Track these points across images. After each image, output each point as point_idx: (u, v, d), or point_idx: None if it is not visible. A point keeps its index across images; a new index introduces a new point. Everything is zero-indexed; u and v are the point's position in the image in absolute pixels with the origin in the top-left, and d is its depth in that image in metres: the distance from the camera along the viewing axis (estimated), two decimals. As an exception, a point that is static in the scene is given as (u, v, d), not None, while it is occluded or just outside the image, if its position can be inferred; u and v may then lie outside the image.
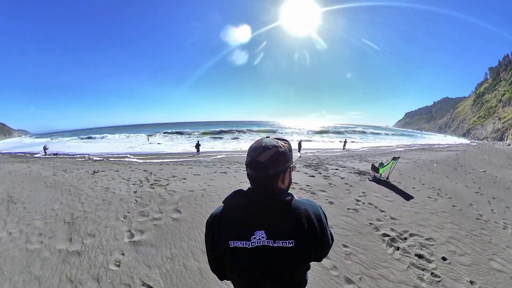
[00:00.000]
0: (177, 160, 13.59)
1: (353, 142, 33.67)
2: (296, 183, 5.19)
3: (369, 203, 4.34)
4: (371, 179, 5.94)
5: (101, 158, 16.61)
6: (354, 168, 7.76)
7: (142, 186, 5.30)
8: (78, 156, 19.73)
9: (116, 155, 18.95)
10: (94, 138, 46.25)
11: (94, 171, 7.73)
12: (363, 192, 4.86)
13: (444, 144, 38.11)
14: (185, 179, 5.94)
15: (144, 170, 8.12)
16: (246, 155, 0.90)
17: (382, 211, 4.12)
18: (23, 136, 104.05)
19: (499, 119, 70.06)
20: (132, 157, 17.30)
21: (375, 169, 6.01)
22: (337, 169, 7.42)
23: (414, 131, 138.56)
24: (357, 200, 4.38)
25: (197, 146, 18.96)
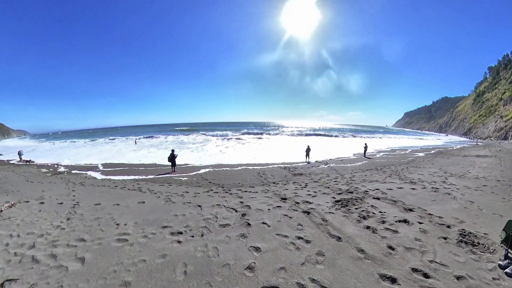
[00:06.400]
0: (144, 176, 11.71)
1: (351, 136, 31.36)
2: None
3: None
4: (504, 266, 2.93)
5: (66, 170, 14.88)
6: (429, 213, 4.88)
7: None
8: (48, 164, 18.39)
9: (85, 165, 17.04)
10: (80, 141, 45.40)
11: (2, 208, 5.81)
12: None
13: (456, 145, 35.53)
14: (75, 246, 3.95)
15: (72, 205, 6.34)
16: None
17: None
18: (22, 137, 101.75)
19: (501, 117, 68.65)
20: (102, 167, 15.54)
21: None
22: (405, 221, 4.48)
23: (415, 131, 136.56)
24: None
25: (172, 159, 13.28)
